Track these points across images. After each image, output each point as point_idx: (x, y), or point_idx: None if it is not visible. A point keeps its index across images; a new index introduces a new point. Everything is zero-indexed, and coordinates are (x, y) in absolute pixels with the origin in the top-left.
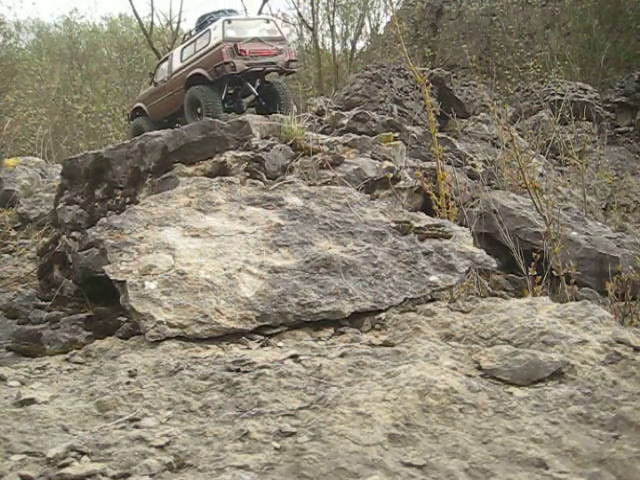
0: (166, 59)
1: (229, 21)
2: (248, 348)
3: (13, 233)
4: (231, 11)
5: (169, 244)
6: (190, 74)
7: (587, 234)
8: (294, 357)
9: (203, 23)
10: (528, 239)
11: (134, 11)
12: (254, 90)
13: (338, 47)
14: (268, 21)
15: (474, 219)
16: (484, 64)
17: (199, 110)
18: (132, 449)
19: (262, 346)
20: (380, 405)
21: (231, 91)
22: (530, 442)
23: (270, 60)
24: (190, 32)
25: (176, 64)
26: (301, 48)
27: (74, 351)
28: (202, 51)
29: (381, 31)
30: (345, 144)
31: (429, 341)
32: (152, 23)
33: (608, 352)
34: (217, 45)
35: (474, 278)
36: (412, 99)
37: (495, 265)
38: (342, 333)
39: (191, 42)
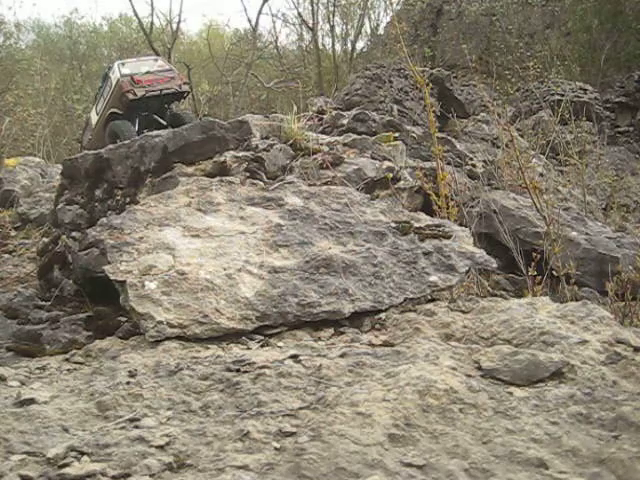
0: (87, 124)
1: (123, 63)
2: (248, 348)
3: (13, 233)
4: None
5: (169, 244)
6: (106, 116)
7: (587, 234)
8: (294, 357)
9: (104, 77)
10: (528, 239)
11: (134, 11)
12: (162, 121)
13: (338, 47)
14: (156, 60)
15: (474, 219)
16: (484, 64)
17: (118, 141)
18: (132, 449)
19: (262, 346)
20: (380, 405)
21: (144, 124)
22: (530, 442)
23: (165, 86)
24: (99, 89)
25: (94, 120)
26: (301, 48)
27: (74, 351)
28: (108, 95)
29: (381, 31)
30: (345, 144)
31: (429, 341)
32: (152, 23)
33: (608, 352)
34: (117, 82)
35: (474, 278)
36: (412, 99)
37: (495, 265)
38: (342, 333)
39: (100, 97)
